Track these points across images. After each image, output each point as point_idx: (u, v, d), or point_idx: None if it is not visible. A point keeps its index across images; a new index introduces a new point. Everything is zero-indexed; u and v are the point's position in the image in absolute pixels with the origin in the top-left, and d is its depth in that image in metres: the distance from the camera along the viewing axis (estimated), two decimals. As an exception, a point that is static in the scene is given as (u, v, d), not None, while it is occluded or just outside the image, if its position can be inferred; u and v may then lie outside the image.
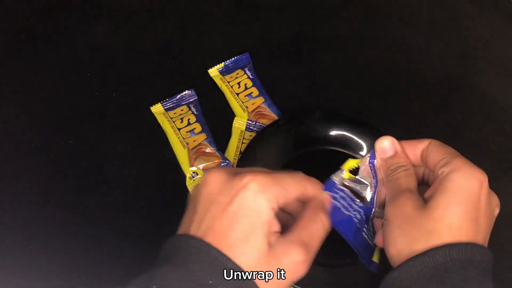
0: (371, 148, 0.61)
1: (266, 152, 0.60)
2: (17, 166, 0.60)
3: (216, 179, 0.35)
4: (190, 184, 0.59)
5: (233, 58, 0.69)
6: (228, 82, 0.66)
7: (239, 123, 0.63)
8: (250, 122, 0.63)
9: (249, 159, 0.59)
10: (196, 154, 0.60)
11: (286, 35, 0.73)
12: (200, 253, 0.32)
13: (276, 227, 0.34)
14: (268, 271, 0.34)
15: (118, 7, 0.73)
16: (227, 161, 0.60)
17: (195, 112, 0.63)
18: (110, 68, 0.68)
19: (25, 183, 0.59)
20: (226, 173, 0.35)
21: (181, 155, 0.60)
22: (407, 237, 0.36)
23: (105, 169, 0.61)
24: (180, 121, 0.63)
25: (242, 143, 0.62)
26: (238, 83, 0.66)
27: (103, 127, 0.63)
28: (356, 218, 0.42)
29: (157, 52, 0.70)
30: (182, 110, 0.64)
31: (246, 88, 0.65)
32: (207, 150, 0.60)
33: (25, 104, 0.65)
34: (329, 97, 0.67)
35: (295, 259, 0.34)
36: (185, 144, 0.61)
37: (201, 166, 0.59)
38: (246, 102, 0.64)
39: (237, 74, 0.67)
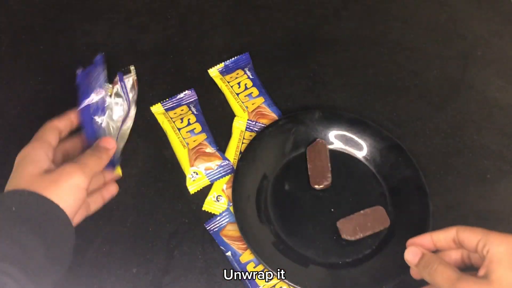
0: (371, 148, 0.61)
1: (266, 152, 0.60)
2: (17, 166, 0.60)
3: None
4: (190, 184, 0.59)
5: (233, 58, 0.69)
6: (228, 82, 0.66)
7: (239, 123, 0.63)
8: (250, 122, 0.63)
9: (249, 159, 0.59)
10: (196, 154, 0.60)
11: (286, 35, 0.73)
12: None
13: (46, 165, 0.44)
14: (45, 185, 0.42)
15: (118, 7, 0.73)
16: (227, 161, 0.60)
17: (195, 112, 0.63)
18: (110, 68, 0.68)
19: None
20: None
21: (181, 155, 0.60)
22: None
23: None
24: (180, 121, 0.63)
25: (242, 143, 0.62)
26: (238, 83, 0.66)
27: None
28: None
29: (157, 52, 0.70)
30: (182, 110, 0.64)
31: (246, 88, 0.65)
32: (207, 150, 0.60)
33: (25, 104, 0.65)
34: (329, 97, 0.67)
35: (63, 169, 0.43)
36: (185, 144, 0.61)
37: (201, 166, 0.59)
38: (246, 102, 0.64)
39: (237, 74, 0.67)
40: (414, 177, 0.58)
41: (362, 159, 0.61)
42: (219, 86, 0.67)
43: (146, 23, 0.72)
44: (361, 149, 0.62)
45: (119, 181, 0.60)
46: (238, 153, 0.61)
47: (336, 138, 0.62)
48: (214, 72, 0.68)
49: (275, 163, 0.61)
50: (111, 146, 0.48)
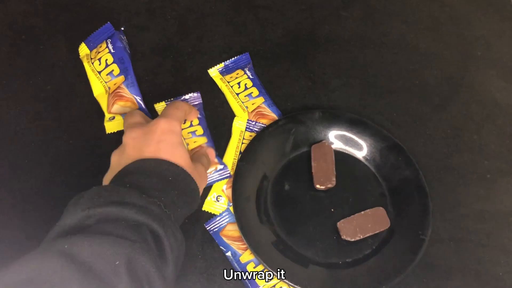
0: (371, 148, 0.61)
1: (266, 152, 0.60)
2: (17, 166, 0.60)
3: (131, 134, 0.54)
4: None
5: (233, 58, 0.69)
6: (228, 82, 0.66)
7: (239, 123, 0.63)
8: (250, 122, 0.63)
9: (249, 159, 0.59)
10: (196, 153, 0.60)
11: (286, 35, 0.73)
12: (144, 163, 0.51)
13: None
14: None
15: (118, 7, 0.73)
16: (223, 165, 0.60)
17: (198, 116, 0.63)
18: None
19: (25, 183, 0.59)
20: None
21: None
22: None
23: (105, 169, 0.61)
24: (183, 122, 0.63)
25: (242, 143, 0.62)
26: (238, 83, 0.66)
27: (104, 127, 0.63)
28: None
29: (157, 52, 0.70)
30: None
31: (246, 88, 0.65)
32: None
33: (25, 104, 0.65)
34: (329, 97, 0.67)
35: (201, 167, 0.55)
36: (185, 145, 0.61)
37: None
38: (246, 102, 0.64)
39: (237, 74, 0.67)
40: (414, 177, 0.58)
41: (362, 159, 0.61)
42: (219, 86, 0.67)
43: (146, 23, 0.72)
44: (361, 149, 0.62)
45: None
46: (238, 153, 0.61)
47: (336, 138, 0.62)
48: (214, 72, 0.68)
49: (275, 163, 0.61)
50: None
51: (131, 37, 0.70)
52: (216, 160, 0.60)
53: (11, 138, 0.62)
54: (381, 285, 0.52)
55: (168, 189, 0.48)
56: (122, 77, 0.64)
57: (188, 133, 0.62)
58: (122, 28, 0.70)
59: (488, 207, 0.59)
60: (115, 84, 0.64)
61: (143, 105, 0.63)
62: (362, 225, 0.55)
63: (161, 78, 0.68)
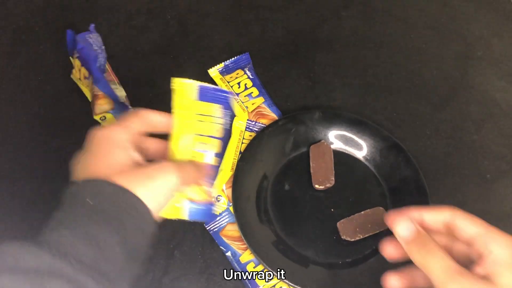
0: (371, 148, 0.61)
1: (266, 152, 0.60)
2: (17, 166, 0.60)
3: (75, 156, 0.42)
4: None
5: (233, 58, 0.69)
6: (228, 82, 0.66)
7: (239, 123, 0.63)
8: (250, 122, 0.63)
9: (249, 159, 0.59)
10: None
11: (286, 35, 0.73)
12: (73, 188, 0.38)
13: (137, 159, 0.39)
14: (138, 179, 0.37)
15: (118, 7, 0.73)
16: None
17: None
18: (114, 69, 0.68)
19: (25, 183, 0.59)
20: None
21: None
22: None
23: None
24: None
25: (242, 143, 0.62)
26: (238, 83, 0.66)
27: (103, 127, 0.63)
28: None
29: (157, 52, 0.70)
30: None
31: (246, 88, 0.65)
32: None
33: (25, 104, 0.65)
34: (329, 97, 0.67)
35: (160, 164, 0.38)
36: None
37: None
38: (246, 102, 0.64)
39: (237, 74, 0.67)
40: (414, 177, 0.58)
41: (362, 159, 0.61)
42: (219, 86, 0.67)
43: (146, 23, 0.72)
44: (361, 149, 0.62)
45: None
46: (238, 153, 0.61)
47: (336, 138, 0.62)
48: (214, 72, 0.68)
49: (275, 163, 0.61)
50: (208, 172, 0.43)
51: (131, 37, 0.70)
52: (205, 185, 0.43)
53: (11, 138, 0.62)
54: (381, 285, 0.52)
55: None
56: (91, 77, 0.63)
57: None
58: (92, 26, 0.67)
59: (488, 207, 0.59)
60: (92, 86, 0.63)
61: (118, 98, 0.63)
62: (362, 225, 0.55)
63: (161, 78, 0.68)
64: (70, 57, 0.68)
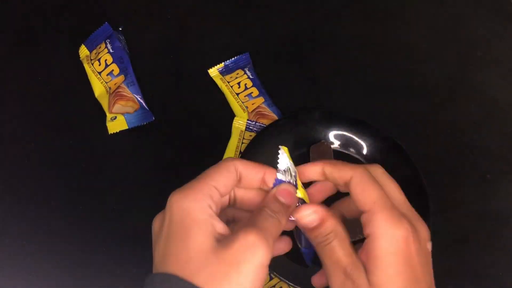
0: (371, 148, 0.61)
1: (266, 152, 0.60)
2: (17, 166, 0.60)
3: (156, 219, 0.36)
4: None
5: (233, 58, 0.69)
6: (228, 82, 0.66)
7: (239, 123, 0.63)
8: (250, 122, 0.63)
9: (249, 159, 0.59)
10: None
11: (286, 35, 0.73)
12: (153, 284, 0.31)
13: (220, 228, 0.33)
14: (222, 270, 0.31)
15: (118, 7, 0.73)
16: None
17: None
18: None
19: (25, 183, 0.59)
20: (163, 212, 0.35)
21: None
22: None
23: (105, 169, 0.61)
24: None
25: (242, 143, 0.62)
26: (238, 83, 0.66)
27: (103, 127, 0.63)
28: None
29: (157, 52, 0.70)
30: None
31: (246, 88, 0.65)
32: None
33: (25, 104, 0.65)
34: (329, 97, 0.67)
35: (245, 240, 0.31)
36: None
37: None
38: (246, 102, 0.64)
39: (237, 74, 0.67)
40: (414, 177, 0.58)
41: (362, 159, 0.61)
42: (219, 86, 0.67)
43: (146, 23, 0.72)
44: (361, 149, 0.62)
45: (119, 181, 0.60)
46: (238, 153, 0.61)
47: (336, 138, 0.62)
48: (214, 72, 0.68)
49: (275, 163, 0.60)
50: (292, 201, 0.36)
51: (131, 37, 0.70)
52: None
53: (11, 138, 0.62)
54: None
55: None
56: (122, 77, 0.64)
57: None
58: (120, 28, 0.70)
59: (488, 207, 0.59)
60: (115, 84, 0.64)
61: (144, 104, 0.63)
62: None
63: (161, 78, 0.68)
64: (84, 45, 0.68)
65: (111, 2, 0.74)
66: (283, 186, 0.37)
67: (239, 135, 0.62)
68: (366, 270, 0.34)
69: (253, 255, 0.31)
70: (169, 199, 0.34)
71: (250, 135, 0.62)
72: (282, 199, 0.36)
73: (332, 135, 0.62)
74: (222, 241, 0.31)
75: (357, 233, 0.55)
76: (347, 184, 0.37)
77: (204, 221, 0.32)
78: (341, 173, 0.37)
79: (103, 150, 0.62)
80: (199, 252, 0.31)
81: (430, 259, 0.35)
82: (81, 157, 0.61)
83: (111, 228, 0.57)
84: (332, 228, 0.36)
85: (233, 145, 0.62)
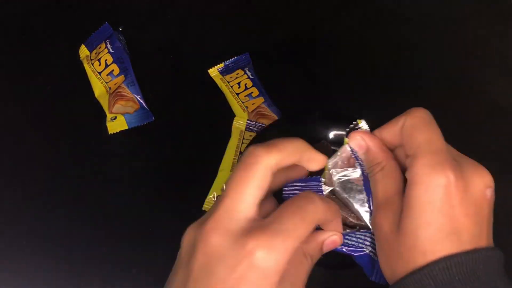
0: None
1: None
2: (17, 166, 0.60)
3: (216, 236, 0.29)
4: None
5: (233, 58, 0.68)
6: (228, 82, 0.66)
7: (239, 123, 0.63)
8: (250, 122, 0.63)
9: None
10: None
11: (286, 35, 0.72)
12: None
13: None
14: None
15: (118, 7, 0.73)
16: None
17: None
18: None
19: (25, 183, 0.59)
20: (227, 232, 0.29)
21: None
22: (388, 263, 0.34)
23: (105, 169, 0.61)
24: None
25: (242, 143, 0.62)
26: (238, 83, 0.66)
27: (104, 127, 0.63)
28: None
29: (157, 52, 0.70)
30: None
31: (246, 88, 0.65)
32: None
33: (25, 104, 0.65)
34: (329, 97, 0.67)
35: None
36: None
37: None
38: (246, 102, 0.64)
39: (237, 74, 0.67)
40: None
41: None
42: (219, 86, 0.67)
43: (146, 23, 0.72)
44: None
45: (119, 181, 0.60)
46: (238, 153, 0.61)
47: (336, 138, 0.62)
48: (214, 72, 0.68)
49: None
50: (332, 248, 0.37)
51: (131, 37, 0.70)
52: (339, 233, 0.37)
53: (11, 138, 0.62)
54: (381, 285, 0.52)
55: None
56: (122, 77, 0.64)
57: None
58: (120, 28, 0.70)
59: (488, 207, 0.59)
60: (115, 84, 0.64)
61: (144, 104, 0.63)
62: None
63: (161, 78, 0.68)
64: (84, 45, 0.68)
65: (111, 2, 0.74)
66: (333, 239, 0.36)
67: (239, 135, 0.62)
68: (401, 217, 0.32)
69: None
70: (251, 247, 0.28)
71: (250, 135, 0.62)
72: (325, 249, 0.36)
73: (332, 135, 0.62)
74: None
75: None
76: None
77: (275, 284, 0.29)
78: (397, 121, 0.37)
79: (103, 150, 0.62)
80: None
81: (488, 208, 0.34)
82: (81, 157, 0.61)
83: (111, 228, 0.57)
84: (379, 159, 0.36)
85: (233, 145, 0.62)
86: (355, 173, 0.38)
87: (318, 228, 0.37)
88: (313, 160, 0.35)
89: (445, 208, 0.31)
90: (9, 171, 0.60)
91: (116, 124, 0.62)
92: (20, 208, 0.58)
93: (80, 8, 0.73)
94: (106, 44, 0.66)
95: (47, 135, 0.63)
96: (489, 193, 0.35)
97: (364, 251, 0.38)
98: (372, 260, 0.38)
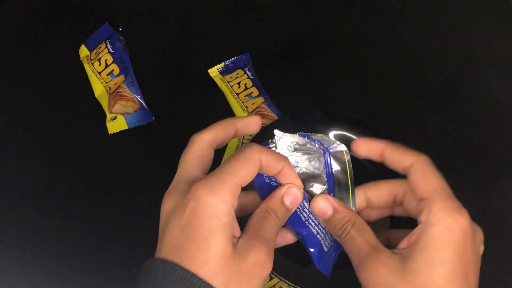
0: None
1: (266, 152, 0.60)
2: (17, 166, 0.60)
3: (169, 198, 0.36)
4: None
5: (233, 58, 0.69)
6: (228, 82, 0.66)
7: (239, 123, 0.63)
8: (250, 122, 0.63)
9: (249, 159, 0.59)
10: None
11: (286, 35, 0.73)
12: (164, 273, 0.31)
13: (237, 231, 0.34)
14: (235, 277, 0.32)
15: (118, 7, 0.73)
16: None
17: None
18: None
19: (25, 183, 0.59)
20: (177, 189, 0.36)
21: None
22: None
23: (105, 169, 0.61)
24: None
25: (242, 143, 0.62)
26: (238, 83, 0.66)
27: (103, 127, 0.63)
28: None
29: (157, 52, 0.70)
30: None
31: (246, 88, 0.65)
32: None
33: (25, 104, 0.65)
34: (329, 97, 0.67)
35: (258, 256, 0.33)
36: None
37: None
38: (246, 102, 0.64)
39: (237, 74, 0.67)
40: (414, 177, 0.58)
41: (362, 159, 0.61)
42: (219, 86, 0.67)
43: (146, 23, 0.72)
44: (361, 149, 0.61)
45: (119, 181, 0.60)
46: (238, 153, 0.61)
47: (336, 138, 0.62)
48: (214, 72, 0.68)
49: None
50: (295, 206, 0.38)
51: (131, 37, 0.70)
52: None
53: (11, 138, 0.62)
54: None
55: None
56: (122, 77, 0.64)
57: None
58: (120, 28, 0.70)
59: (488, 207, 0.59)
60: (115, 84, 0.64)
61: (144, 104, 0.63)
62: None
63: (161, 78, 0.68)
64: (84, 45, 0.68)
65: (111, 2, 0.74)
66: (291, 191, 0.38)
67: (239, 135, 0.62)
68: (405, 257, 0.33)
69: (263, 271, 0.33)
70: (194, 189, 0.33)
71: (250, 135, 0.62)
72: (287, 203, 0.37)
73: (332, 135, 0.62)
74: (237, 249, 0.33)
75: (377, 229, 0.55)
76: (406, 169, 0.37)
77: (228, 225, 0.33)
78: (403, 157, 0.38)
79: (103, 150, 0.62)
80: (219, 257, 0.31)
81: (480, 262, 0.35)
82: (81, 157, 0.61)
83: (111, 228, 0.57)
84: (349, 217, 0.37)
85: (233, 145, 0.62)
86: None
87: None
88: (248, 123, 0.40)
89: (460, 250, 0.32)
90: (9, 171, 0.60)
91: (116, 124, 0.62)
92: (20, 208, 0.58)
93: (80, 8, 0.73)
94: (106, 44, 0.66)
95: (47, 135, 0.63)
96: (482, 248, 0.36)
97: (313, 233, 0.40)
98: (322, 248, 0.40)
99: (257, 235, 0.34)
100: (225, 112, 0.65)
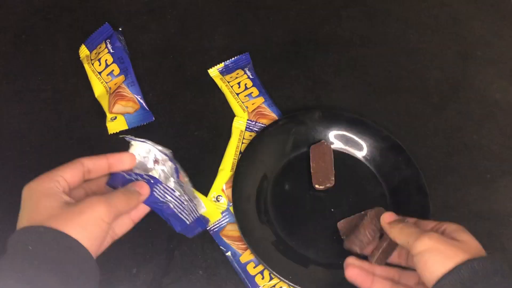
0: (371, 148, 0.61)
1: (266, 152, 0.60)
2: (17, 166, 0.60)
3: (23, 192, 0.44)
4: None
5: (233, 58, 0.69)
6: (228, 82, 0.66)
7: (239, 123, 0.63)
8: (250, 122, 0.63)
9: (249, 159, 0.59)
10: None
11: (286, 35, 0.73)
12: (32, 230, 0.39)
13: (68, 198, 0.41)
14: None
15: (118, 7, 0.73)
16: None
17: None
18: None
19: (24, 183, 0.59)
20: None
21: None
22: (439, 262, 0.41)
23: (105, 169, 0.61)
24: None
25: (242, 143, 0.62)
26: (238, 83, 0.66)
27: (103, 127, 0.63)
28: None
29: (157, 52, 0.70)
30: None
31: (246, 88, 0.65)
32: None
33: (25, 104, 0.65)
34: (329, 97, 0.67)
35: (93, 201, 0.40)
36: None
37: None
38: (246, 102, 0.64)
39: (237, 74, 0.67)
40: (414, 177, 0.58)
41: (362, 159, 0.61)
42: (219, 86, 0.67)
43: (146, 23, 0.72)
44: (361, 149, 0.62)
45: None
46: (238, 153, 0.61)
47: (336, 138, 0.62)
48: (214, 72, 0.68)
49: (275, 163, 0.61)
50: (144, 192, 0.45)
51: (131, 37, 0.70)
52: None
53: (11, 138, 0.62)
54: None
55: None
56: (122, 77, 0.64)
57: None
58: (120, 28, 0.70)
59: (488, 207, 0.59)
60: (115, 84, 0.64)
61: (144, 104, 0.63)
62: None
63: (161, 78, 0.68)
64: (84, 45, 0.68)
65: (111, 2, 0.74)
66: (139, 182, 0.45)
67: (239, 135, 0.62)
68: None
69: (93, 210, 0.39)
70: (27, 186, 0.42)
71: (250, 135, 0.62)
72: (135, 187, 0.44)
73: (332, 135, 0.62)
74: (68, 203, 0.40)
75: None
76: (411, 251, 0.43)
77: (52, 194, 0.41)
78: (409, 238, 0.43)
79: (103, 150, 0.62)
80: (51, 209, 0.39)
81: None
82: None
83: (111, 228, 0.57)
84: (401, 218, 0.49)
85: (233, 145, 0.62)
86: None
87: None
88: (121, 159, 0.47)
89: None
90: (9, 171, 0.60)
91: (116, 124, 0.62)
92: (19, 208, 0.58)
93: (80, 8, 0.73)
94: (106, 44, 0.66)
95: (47, 135, 0.63)
96: None
97: (168, 204, 0.47)
98: (175, 213, 0.47)
99: (95, 195, 0.41)
100: (225, 112, 0.65)
